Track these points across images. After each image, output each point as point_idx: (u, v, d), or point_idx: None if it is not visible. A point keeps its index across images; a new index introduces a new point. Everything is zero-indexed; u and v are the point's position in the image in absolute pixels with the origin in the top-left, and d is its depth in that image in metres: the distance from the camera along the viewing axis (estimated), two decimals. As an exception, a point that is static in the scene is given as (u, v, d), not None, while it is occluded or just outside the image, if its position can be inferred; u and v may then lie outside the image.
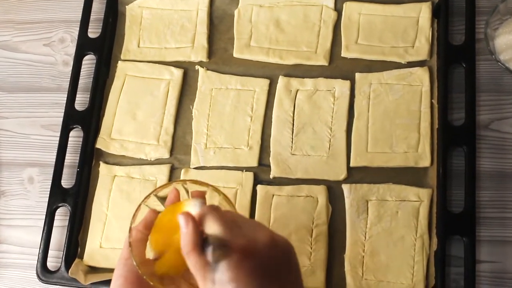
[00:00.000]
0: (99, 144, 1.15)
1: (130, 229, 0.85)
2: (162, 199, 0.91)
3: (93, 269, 1.09)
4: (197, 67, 1.18)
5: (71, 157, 1.16)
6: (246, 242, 0.70)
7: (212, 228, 0.72)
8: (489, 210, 1.05)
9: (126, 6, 1.23)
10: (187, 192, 0.92)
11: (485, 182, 1.06)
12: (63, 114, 1.16)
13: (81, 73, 1.19)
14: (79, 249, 1.10)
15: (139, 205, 0.79)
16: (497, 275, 1.03)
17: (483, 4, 1.15)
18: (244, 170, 1.11)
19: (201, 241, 0.72)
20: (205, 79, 1.16)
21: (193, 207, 0.77)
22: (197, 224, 0.74)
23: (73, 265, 1.06)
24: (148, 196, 0.88)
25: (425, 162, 1.06)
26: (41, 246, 1.08)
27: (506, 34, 1.09)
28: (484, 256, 1.03)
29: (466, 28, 1.11)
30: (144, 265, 0.79)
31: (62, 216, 1.12)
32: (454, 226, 1.01)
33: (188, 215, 0.74)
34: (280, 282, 0.71)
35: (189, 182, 0.91)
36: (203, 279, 0.70)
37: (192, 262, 0.72)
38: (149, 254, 0.84)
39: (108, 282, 1.03)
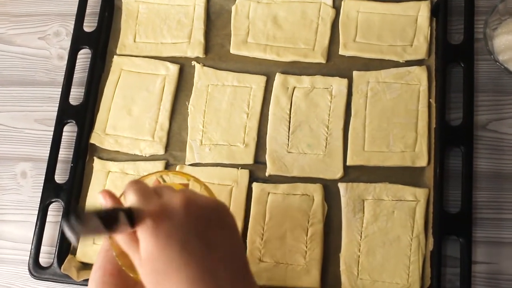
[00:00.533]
0: (94, 140, 1.14)
1: None
2: None
3: (86, 266, 1.08)
4: (193, 63, 1.16)
5: (65, 152, 1.14)
6: (159, 207, 0.69)
7: (129, 200, 0.71)
8: (485, 211, 1.05)
9: (123, 0, 1.22)
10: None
11: (482, 183, 1.06)
12: (57, 108, 1.14)
13: (76, 67, 1.18)
14: (72, 245, 1.09)
15: (120, 196, 0.78)
16: (493, 276, 1.02)
17: (482, 3, 1.14)
18: (240, 168, 1.10)
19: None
20: (201, 75, 1.15)
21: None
22: (118, 200, 0.73)
23: (65, 261, 1.05)
24: None
25: (422, 161, 1.06)
26: (34, 242, 1.07)
27: (505, 34, 1.08)
28: (480, 257, 1.03)
29: (464, 27, 1.10)
30: (124, 256, 0.78)
31: (55, 212, 1.11)
32: (450, 227, 1.01)
33: (105, 192, 0.73)
34: (207, 238, 0.69)
35: (171, 174, 0.91)
36: (133, 253, 0.69)
37: (120, 240, 0.71)
38: None
39: (101, 279, 1.02)
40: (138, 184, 0.72)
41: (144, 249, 0.67)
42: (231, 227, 0.74)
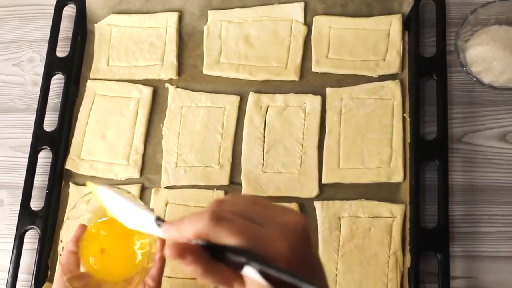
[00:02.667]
0: (69, 165, 1.13)
1: (60, 245, 0.86)
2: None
3: (63, 292, 1.07)
4: (166, 85, 1.16)
5: (41, 179, 1.14)
6: (269, 250, 0.56)
7: (227, 241, 0.56)
8: (462, 224, 1.03)
9: (95, 25, 1.22)
10: None
11: (458, 196, 1.05)
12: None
13: (50, 93, 1.18)
14: (49, 272, 1.08)
15: (65, 219, 0.76)
16: (473, 291, 1.01)
17: (454, 15, 1.14)
18: (215, 189, 1.09)
19: (211, 259, 0.57)
20: (175, 97, 1.15)
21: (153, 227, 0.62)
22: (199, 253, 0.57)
23: (42, 289, 1.05)
24: (74, 207, 0.89)
25: (398, 177, 1.05)
26: (10, 270, 1.06)
27: (477, 46, 1.08)
28: (458, 271, 1.01)
29: (437, 40, 1.10)
30: (77, 279, 0.77)
31: (32, 239, 1.11)
32: (427, 242, 1.00)
33: (176, 247, 0.56)
34: (313, 256, 0.60)
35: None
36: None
37: (213, 280, 0.57)
38: (82, 267, 0.84)
39: (77, 306, 1.02)
40: (227, 218, 0.57)
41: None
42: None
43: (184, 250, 0.56)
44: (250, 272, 0.53)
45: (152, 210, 0.75)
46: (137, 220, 0.65)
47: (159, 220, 0.61)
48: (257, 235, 0.56)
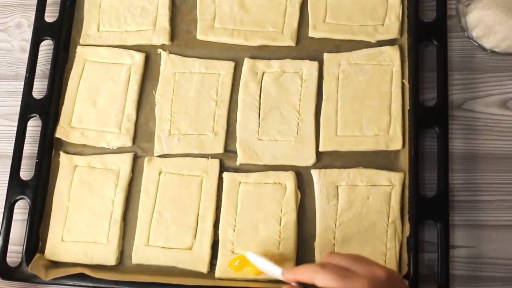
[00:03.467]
0: (59, 133, 1.10)
1: None
2: None
3: (55, 264, 1.05)
4: (159, 50, 1.13)
5: (31, 148, 1.11)
6: (367, 280, 0.75)
7: (326, 282, 0.77)
8: (462, 193, 1.02)
9: (84, -12, 1.18)
10: None
11: (458, 164, 1.03)
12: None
13: (39, 59, 1.15)
14: (40, 243, 1.06)
15: None
16: (473, 260, 1.00)
17: (455, -22, 1.11)
18: (210, 157, 1.07)
19: None
20: (167, 63, 1.12)
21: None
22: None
23: (33, 260, 1.03)
24: None
25: (397, 145, 1.03)
26: (0, 241, 1.04)
27: (478, 10, 1.05)
28: (458, 241, 1.00)
29: (437, 4, 1.07)
30: None
31: (22, 210, 1.08)
32: (427, 211, 0.98)
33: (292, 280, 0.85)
34: None
35: None
36: None
37: None
38: None
39: (70, 277, 1.00)
40: (330, 268, 0.78)
41: None
42: None
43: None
44: None
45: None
46: (269, 271, 0.92)
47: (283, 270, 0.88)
48: (349, 279, 0.75)
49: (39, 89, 1.13)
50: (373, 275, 0.76)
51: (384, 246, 0.99)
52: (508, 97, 1.05)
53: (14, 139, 1.09)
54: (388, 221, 0.99)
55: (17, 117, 1.11)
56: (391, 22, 1.08)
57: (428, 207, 0.98)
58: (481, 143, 1.04)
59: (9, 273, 1.03)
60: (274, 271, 0.90)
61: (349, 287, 0.74)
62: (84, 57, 1.14)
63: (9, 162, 1.08)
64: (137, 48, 1.14)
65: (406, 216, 0.99)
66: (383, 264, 0.91)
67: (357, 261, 0.79)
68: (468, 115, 1.05)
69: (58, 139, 1.11)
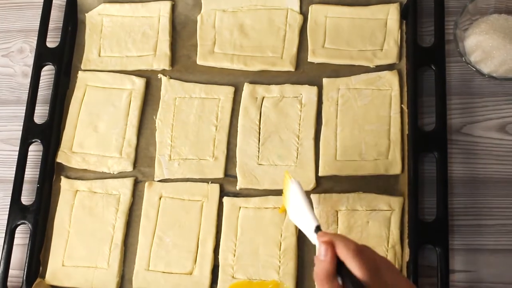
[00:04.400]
0: (60, 158, 1.11)
1: None
2: None
3: (55, 289, 1.06)
4: (159, 75, 1.14)
5: (32, 172, 1.12)
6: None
7: (354, 270, 0.74)
8: (462, 217, 1.02)
9: (86, 14, 1.20)
10: None
11: (458, 189, 1.03)
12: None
13: (41, 84, 1.16)
14: (41, 268, 1.07)
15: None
16: (472, 284, 0.99)
17: (452, 4, 1.12)
18: (210, 182, 1.07)
19: (336, 273, 0.76)
20: (168, 88, 1.13)
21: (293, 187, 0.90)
22: (336, 254, 0.77)
23: (33, 285, 1.03)
24: None
25: (396, 169, 1.03)
26: (1, 266, 1.04)
27: (476, 35, 1.06)
28: (458, 265, 1.00)
29: (435, 29, 1.08)
30: None
31: (23, 234, 1.09)
32: (426, 235, 0.98)
33: (329, 244, 0.77)
34: None
35: None
36: None
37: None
38: None
39: (70, 302, 1.00)
40: (362, 255, 0.75)
41: None
42: None
43: (332, 246, 0.77)
44: None
45: (317, 219, 0.86)
46: (300, 219, 0.88)
47: (319, 228, 0.83)
48: (378, 280, 0.73)
49: (41, 114, 1.14)
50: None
51: (384, 271, 0.98)
52: (507, 121, 1.06)
53: (15, 164, 1.10)
54: (388, 246, 1.00)
55: (18, 141, 1.11)
56: (390, 47, 1.09)
57: (428, 231, 0.98)
58: (480, 167, 1.04)
59: (10, 298, 1.03)
60: (308, 225, 0.85)
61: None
62: (85, 82, 1.15)
63: (10, 186, 1.09)
64: (138, 73, 1.15)
65: (406, 241, 0.99)
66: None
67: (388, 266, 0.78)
68: (467, 140, 1.06)
69: (59, 163, 1.12)
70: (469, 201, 1.03)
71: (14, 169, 1.10)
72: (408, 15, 1.10)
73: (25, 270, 1.04)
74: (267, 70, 1.12)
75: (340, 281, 0.75)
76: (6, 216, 1.07)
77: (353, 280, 0.73)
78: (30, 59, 1.19)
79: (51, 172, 1.11)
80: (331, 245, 0.77)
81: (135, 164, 1.10)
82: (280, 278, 1.00)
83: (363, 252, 0.75)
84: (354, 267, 0.73)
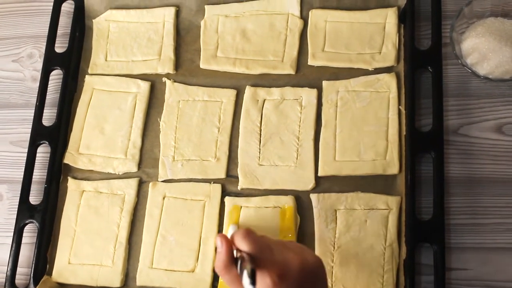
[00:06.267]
0: (67, 159, 1.14)
1: None
2: None
3: (62, 286, 1.08)
4: (164, 79, 1.17)
5: (40, 173, 1.15)
6: (278, 267, 0.76)
7: (244, 249, 0.79)
8: (459, 216, 1.03)
9: (93, 20, 1.23)
10: None
11: (454, 188, 1.05)
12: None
13: (49, 88, 1.19)
14: (47, 266, 1.09)
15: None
16: (469, 282, 1.01)
17: (449, 8, 1.14)
18: (212, 182, 1.10)
19: (234, 260, 0.81)
20: (172, 91, 1.15)
21: (230, 231, 0.95)
22: (231, 245, 0.83)
23: (40, 282, 1.05)
24: None
25: (394, 169, 1.05)
26: (9, 264, 1.07)
27: (472, 38, 1.08)
28: (455, 263, 1.01)
29: (432, 32, 1.10)
30: None
31: (31, 233, 1.11)
32: (423, 234, 0.99)
33: (223, 236, 0.84)
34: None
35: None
36: None
37: (226, 280, 0.82)
38: None
39: (76, 299, 1.03)
40: (252, 236, 0.80)
41: None
42: (325, 280, 0.83)
43: (226, 238, 0.84)
44: (245, 278, 0.74)
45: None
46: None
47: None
48: (269, 254, 0.78)
49: (49, 117, 1.17)
50: (286, 261, 0.78)
51: (382, 269, 1.00)
52: (503, 122, 1.07)
53: (24, 165, 1.13)
54: (385, 244, 1.01)
55: (27, 143, 1.14)
56: (388, 50, 1.11)
57: (424, 230, 1.00)
58: (477, 167, 1.06)
59: (18, 295, 1.06)
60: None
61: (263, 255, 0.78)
62: (92, 85, 1.18)
63: (19, 187, 1.12)
64: (143, 77, 1.18)
65: (403, 239, 1.01)
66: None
67: (280, 243, 0.84)
68: (463, 140, 1.07)
69: (66, 165, 1.15)
70: (466, 200, 1.04)
71: (23, 170, 1.12)
72: (406, 19, 1.12)
73: (33, 267, 1.07)
74: (268, 73, 1.14)
75: (238, 270, 0.79)
76: (15, 216, 1.10)
77: (247, 265, 0.76)
78: (39, 64, 1.23)
79: (59, 173, 1.14)
80: (225, 238, 0.84)
81: (139, 165, 1.13)
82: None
83: (252, 233, 0.81)
84: (245, 246, 0.79)
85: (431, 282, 0.98)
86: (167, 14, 1.20)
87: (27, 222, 1.10)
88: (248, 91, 1.13)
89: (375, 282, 1.00)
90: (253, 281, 0.73)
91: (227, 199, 1.08)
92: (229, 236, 0.88)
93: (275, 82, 1.14)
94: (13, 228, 1.09)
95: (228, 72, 1.16)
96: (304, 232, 1.05)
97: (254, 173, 1.08)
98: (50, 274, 1.08)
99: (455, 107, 1.09)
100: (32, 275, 1.06)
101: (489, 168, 1.06)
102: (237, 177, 1.09)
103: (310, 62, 1.14)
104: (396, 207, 1.03)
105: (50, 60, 1.19)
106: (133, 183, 1.11)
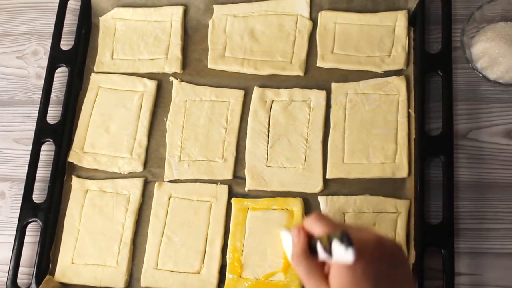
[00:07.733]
0: (72, 158, 1.13)
1: None
2: None
3: (64, 286, 1.07)
4: (171, 78, 1.16)
5: (44, 171, 1.14)
6: (357, 243, 0.71)
7: (318, 232, 0.77)
8: (468, 221, 1.03)
9: (100, 18, 1.22)
10: None
11: (463, 193, 1.04)
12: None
13: (54, 86, 1.17)
14: (50, 265, 1.08)
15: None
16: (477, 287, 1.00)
17: (460, 12, 1.14)
18: (219, 183, 1.09)
19: (310, 251, 0.77)
20: (179, 90, 1.14)
21: (284, 235, 0.85)
22: (308, 235, 0.79)
23: (43, 282, 1.04)
24: None
25: (403, 173, 1.04)
26: (12, 263, 1.06)
27: (482, 42, 1.07)
28: (463, 268, 1.01)
29: (442, 36, 1.09)
30: None
31: (34, 232, 1.10)
32: (432, 238, 0.99)
33: (299, 228, 0.80)
34: (391, 282, 0.73)
35: None
36: (315, 284, 0.75)
37: (302, 270, 0.76)
38: None
39: (79, 299, 1.01)
40: (325, 216, 0.79)
41: (338, 281, 0.72)
42: (406, 265, 0.78)
43: (302, 229, 0.80)
44: (335, 245, 0.70)
45: None
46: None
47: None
48: (340, 228, 0.75)
49: (53, 115, 1.16)
50: (362, 238, 0.74)
51: (390, 273, 0.99)
52: (513, 127, 1.07)
53: (27, 163, 1.11)
54: (394, 248, 1.00)
55: (31, 141, 1.13)
56: (398, 53, 1.11)
57: (434, 234, 0.99)
58: (486, 172, 1.05)
59: (19, 294, 1.04)
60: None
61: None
62: (97, 84, 1.17)
63: (22, 185, 1.10)
64: (150, 76, 1.17)
65: (412, 243, 1.00)
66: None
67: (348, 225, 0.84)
68: (473, 145, 1.07)
69: (71, 163, 1.13)
70: (475, 205, 1.04)
71: (27, 168, 1.11)
72: (416, 22, 1.11)
73: (35, 267, 1.05)
74: (276, 74, 1.14)
75: (319, 255, 0.75)
76: (18, 214, 1.08)
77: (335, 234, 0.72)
78: (44, 61, 1.21)
79: (63, 171, 1.13)
80: (301, 229, 0.80)
81: (145, 164, 1.12)
82: (287, 279, 1.01)
83: (324, 215, 0.80)
84: (320, 227, 0.77)
85: (440, 287, 0.97)
86: (175, 13, 1.19)
87: (30, 220, 1.08)
88: (256, 92, 1.12)
89: (383, 286, 0.99)
90: (349, 243, 0.69)
91: (234, 200, 1.07)
92: (284, 243, 0.85)
93: (283, 83, 1.13)
94: (16, 226, 1.08)
95: (236, 72, 1.15)
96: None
97: (261, 174, 1.08)
98: (53, 273, 1.07)
99: (464, 111, 1.09)
100: (34, 274, 1.05)
101: (499, 173, 1.05)
102: (244, 179, 1.08)
103: (319, 63, 1.13)
104: (405, 210, 1.02)
105: (56, 57, 1.18)
106: (138, 182, 1.10)
